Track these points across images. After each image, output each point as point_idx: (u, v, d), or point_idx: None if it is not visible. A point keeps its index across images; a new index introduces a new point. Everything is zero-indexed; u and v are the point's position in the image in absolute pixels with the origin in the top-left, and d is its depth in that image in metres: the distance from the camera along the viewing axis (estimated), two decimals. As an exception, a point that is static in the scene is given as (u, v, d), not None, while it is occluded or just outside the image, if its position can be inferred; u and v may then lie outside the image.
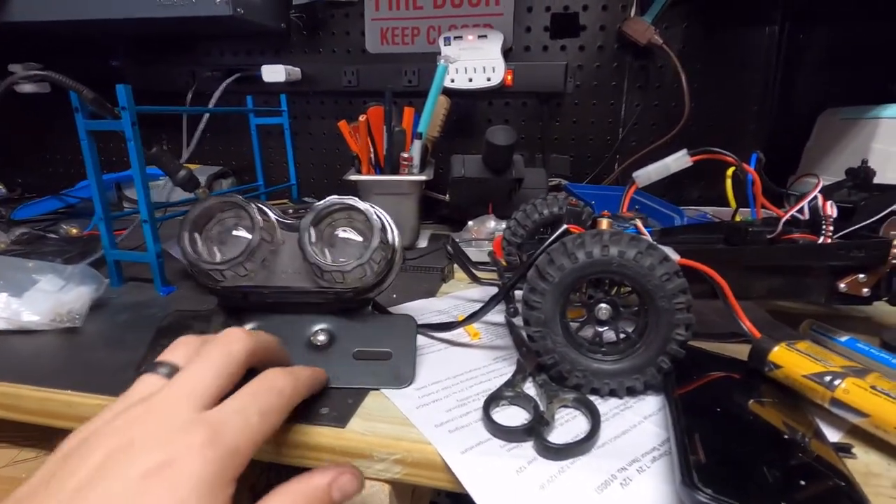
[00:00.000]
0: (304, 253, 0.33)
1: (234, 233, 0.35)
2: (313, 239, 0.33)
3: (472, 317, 0.36)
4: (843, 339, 0.38)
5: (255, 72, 0.80)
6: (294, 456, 0.28)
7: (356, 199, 0.35)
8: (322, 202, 0.34)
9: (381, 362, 0.33)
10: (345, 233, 0.36)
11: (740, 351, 0.34)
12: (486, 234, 0.60)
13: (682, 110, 0.68)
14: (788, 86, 0.70)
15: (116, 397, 0.30)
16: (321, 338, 0.34)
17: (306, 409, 0.29)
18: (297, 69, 0.82)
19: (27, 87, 0.88)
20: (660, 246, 0.30)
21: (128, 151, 0.45)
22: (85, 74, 0.45)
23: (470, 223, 0.64)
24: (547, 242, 0.32)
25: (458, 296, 0.49)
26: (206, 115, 0.79)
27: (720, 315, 0.37)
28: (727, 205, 0.45)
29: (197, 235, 0.33)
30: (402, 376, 0.32)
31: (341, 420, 0.28)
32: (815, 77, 0.70)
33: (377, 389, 0.31)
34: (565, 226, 0.33)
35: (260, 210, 0.34)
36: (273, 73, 0.79)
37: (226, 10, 0.65)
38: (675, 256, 0.32)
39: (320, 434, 0.28)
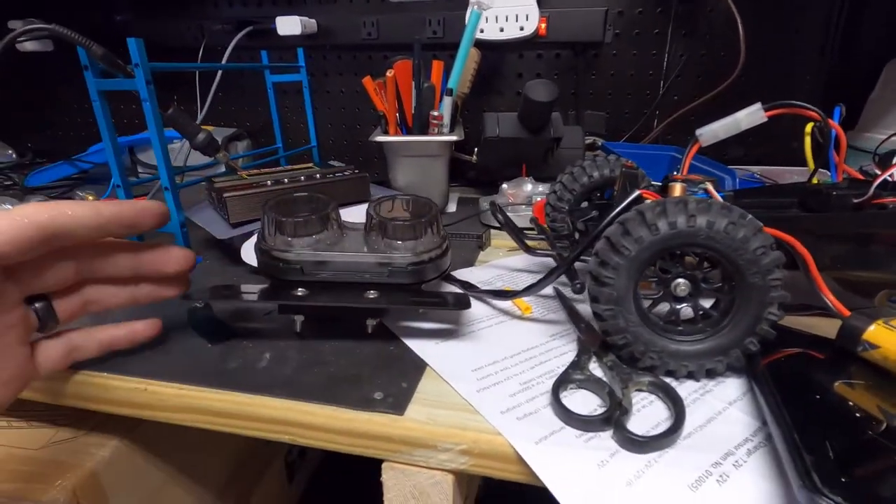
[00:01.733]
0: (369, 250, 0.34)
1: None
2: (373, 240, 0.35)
3: (529, 289, 0.33)
4: (929, 312, 0.35)
5: (268, 24, 0.75)
6: (349, 444, 0.26)
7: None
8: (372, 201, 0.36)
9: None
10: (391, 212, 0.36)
11: (813, 325, 0.31)
12: (523, 197, 0.57)
13: (735, 60, 0.62)
14: (853, 31, 0.64)
15: (147, 379, 0.29)
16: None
17: (356, 393, 0.27)
18: (313, 21, 0.76)
19: (29, 45, 0.83)
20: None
21: (142, 112, 0.42)
22: (88, 30, 0.41)
23: (504, 186, 0.60)
24: (617, 210, 0.29)
25: (499, 265, 0.46)
26: (220, 73, 0.74)
27: (788, 285, 0.34)
28: (777, 163, 0.41)
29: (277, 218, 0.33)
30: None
31: (398, 406, 0.26)
32: (885, 20, 0.63)
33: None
34: (637, 191, 0.29)
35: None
36: (288, 24, 0.73)
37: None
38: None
39: (377, 422, 0.26)
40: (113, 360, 0.30)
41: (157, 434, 0.38)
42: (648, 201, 0.27)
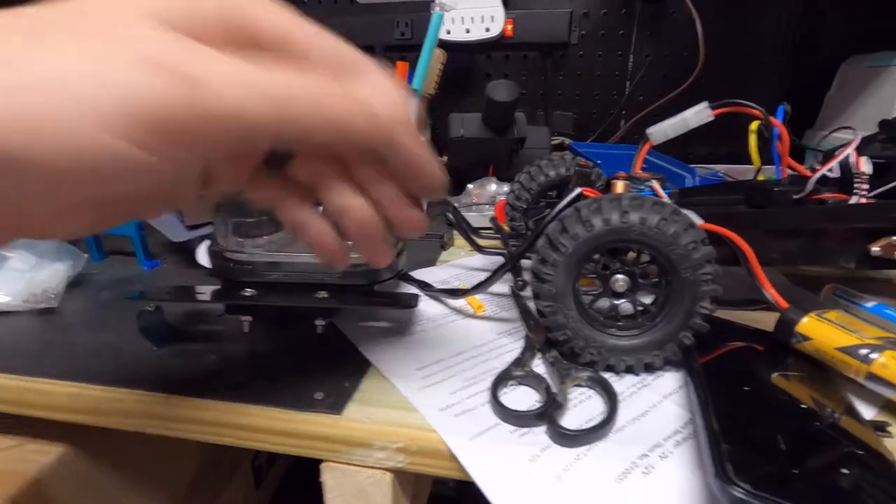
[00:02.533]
0: None
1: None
2: None
3: (476, 288, 0.33)
4: (870, 304, 0.35)
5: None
6: (286, 445, 0.26)
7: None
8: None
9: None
10: None
11: (758, 319, 0.32)
12: (487, 197, 0.57)
13: (696, 60, 0.63)
14: (811, 32, 0.66)
15: (95, 385, 0.28)
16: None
17: (299, 393, 0.27)
18: (281, 22, 0.76)
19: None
20: (683, 211, 0.27)
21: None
22: None
23: (470, 186, 0.60)
24: (558, 208, 0.29)
25: (459, 264, 0.47)
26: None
27: (736, 280, 0.35)
28: (742, 162, 0.42)
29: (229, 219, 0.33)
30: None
31: (337, 406, 0.26)
32: (840, 22, 0.65)
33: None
34: (578, 189, 0.30)
35: None
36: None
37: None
38: (697, 221, 0.29)
39: (314, 422, 0.26)
40: (49, 364, 0.30)
41: (110, 440, 0.38)
42: (586, 199, 0.28)
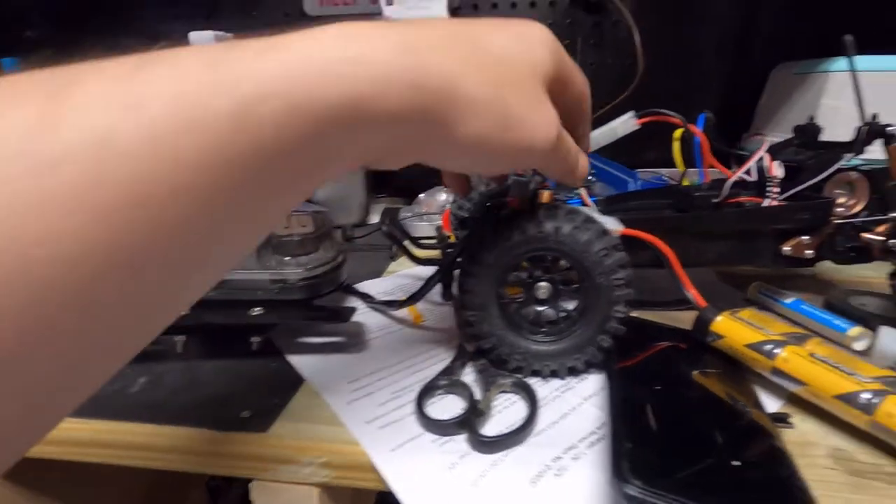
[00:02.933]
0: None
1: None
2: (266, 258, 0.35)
3: (410, 300, 0.34)
4: (789, 300, 0.37)
5: (182, 40, 0.74)
6: (213, 466, 0.26)
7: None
8: None
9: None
10: (287, 229, 0.35)
11: (688, 320, 0.33)
12: (437, 207, 0.58)
13: (637, 69, 0.65)
14: (745, 40, 0.69)
15: None
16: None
17: (226, 412, 0.27)
18: (230, 35, 0.76)
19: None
20: (599, 218, 0.28)
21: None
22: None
23: (421, 196, 0.61)
24: (478, 222, 0.30)
25: (406, 274, 0.47)
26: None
27: (672, 282, 0.36)
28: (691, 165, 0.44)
29: None
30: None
31: (264, 424, 0.26)
32: (772, 31, 0.68)
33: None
34: (505, 200, 0.31)
35: None
36: (202, 40, 0.72)
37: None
38: (618, 227, 0.30)
39: (240, 441, 0.26)
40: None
41: (44, 470, 0.37)
42: (507, 210, 0.29)
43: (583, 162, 0.26)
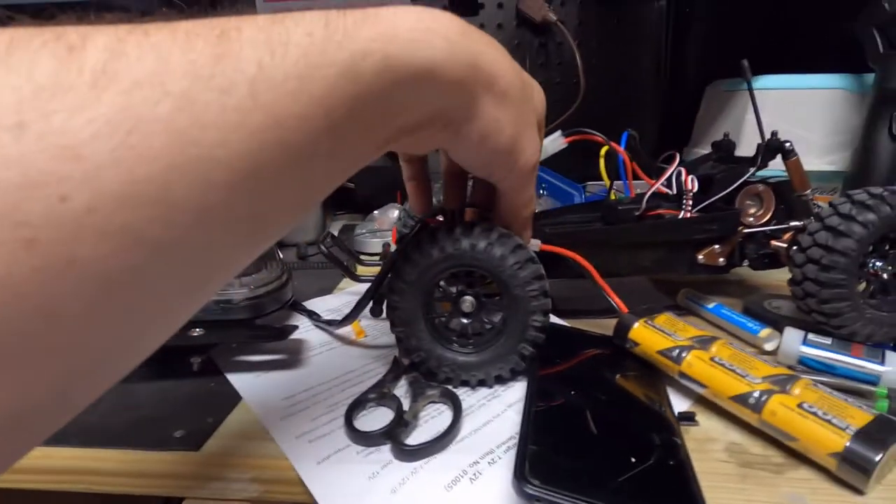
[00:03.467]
0: None
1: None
2: None
3: (345, 320, 0.35)
4: (711, 305, 0.40)
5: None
6: (146, 486, 0.26)
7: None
8: None
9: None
10: None
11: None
12: (389, 223, 0.59)
13: (580, 87, 0.68)
14: (680, 60, 0.73)
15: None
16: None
17: (160, 432, 0.28)
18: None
19: None
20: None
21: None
22: None
23: (375, 213, 0.62)
24: (403, 241, 0.32)
25: (355, 291, 0.48)
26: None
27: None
28: (636, 178, 0.46)
29: None
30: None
31: (196, 443, 0.27)
32: (703, 50, 0.72)
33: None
34: (421, 218, 0.32)
35: None
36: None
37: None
38: (534, 245, 0.32)
39: (170, 461, 0.26)
40: None
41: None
42: (428, 228, 0.30)
43: (532, 208, 0.30)
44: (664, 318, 0.33)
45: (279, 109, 0.15)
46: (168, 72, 0.13)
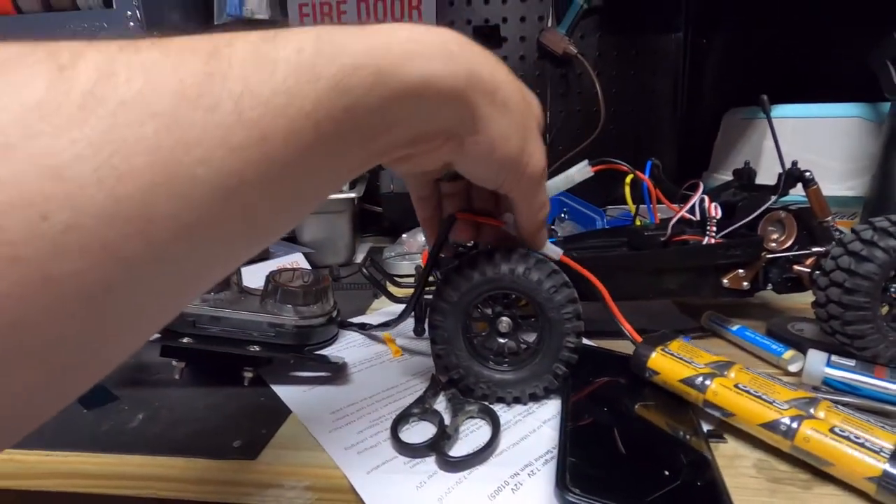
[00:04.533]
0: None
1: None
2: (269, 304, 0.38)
3: (394, 321, 0.37)
4: (735, 327, 0.41)
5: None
6: (206, 492, 0.28)
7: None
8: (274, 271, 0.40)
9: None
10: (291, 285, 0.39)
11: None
12: (417, 247, 0.62)
13: (600, 116, 0.71)
14: (696, 89, 0.75)
15: (22, 451, 0.30)
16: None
17: (219, 442, 0.30)
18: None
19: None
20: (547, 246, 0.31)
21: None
22: None
23: (404, 236, 0.65)
24: (428, 264, 0.34)
25: (387, 311, 0.50)
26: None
27: (632, 311, 0.39)
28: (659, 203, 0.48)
29: None
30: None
31: (252, 452, 0.29)
32: (720, 79, 0.75)
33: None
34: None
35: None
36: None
37: (140, 35, 0.64)
38: (558, 252, 0.33)
39: (229, 469, 0.28)
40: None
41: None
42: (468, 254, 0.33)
43: (547, 210, 0.30)
44: (678, 345, 0.34)
45: (265, 125, 0.15)
46: (155, 92, 0.13)
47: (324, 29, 0.17)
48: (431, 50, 0.19)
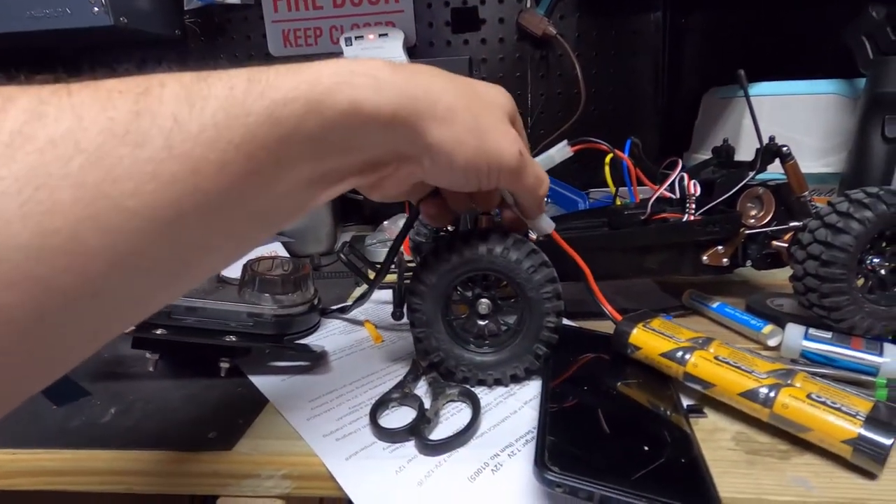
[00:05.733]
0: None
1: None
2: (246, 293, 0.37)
3: (343, 309, 0.37)
4: (715, 304, 0.41)
5: (151, 83, 0.76)
6: (182, 485, 0.28)
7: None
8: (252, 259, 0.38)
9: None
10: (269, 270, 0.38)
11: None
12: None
13: (581, 97, 0.71)
14: (676, 69, 0.75)
15: None
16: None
17: (194, 433, 0.29)
18: (198, 77, 0.79)
19: None
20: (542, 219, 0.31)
21: None
22: None
23: (385, 223, 0.64)
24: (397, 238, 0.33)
25: (371, 299, 0.50)
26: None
27: (614, 292, 0.39)
28: (640, 184, 0.48)
29: None
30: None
31: (227, 442, 0.28)
32: (699, 59, 0.75)
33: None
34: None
35: None
36: (170, 83, 0.75)
37: (105, 20, 0.62)
38: (548, 227, 0.32)
39: (204, 460, 0.28)
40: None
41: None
42: (445, 236, 0.32)
43: (546, 184, 0.30)
44: (659, 322, 0.34)
45: (196, 158, 0.16)
46: (83, 129, 0.14)
47: (256, 69, 0.18)
48: (358, 79, 0.20)
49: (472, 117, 0.24)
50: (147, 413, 0.32)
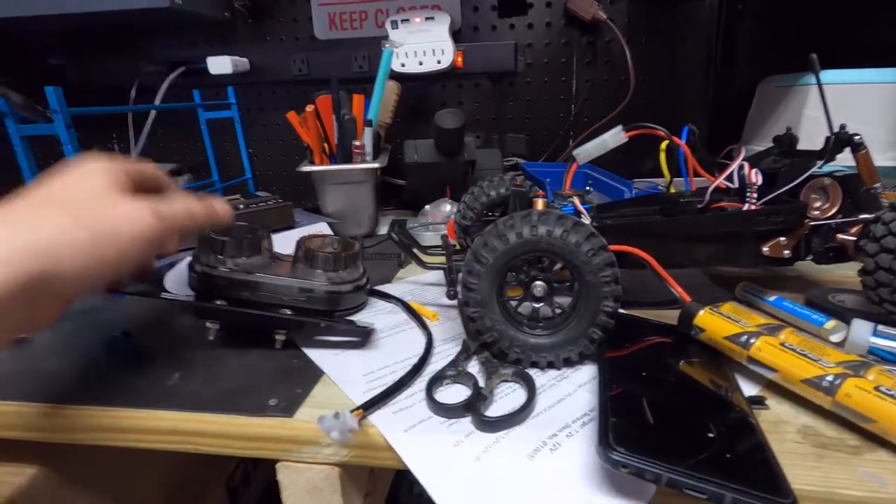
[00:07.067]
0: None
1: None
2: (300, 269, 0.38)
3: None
4: (772, 298, 0.40)
5: (200, 64, 0.78)
6: (244, 448, 0.29)
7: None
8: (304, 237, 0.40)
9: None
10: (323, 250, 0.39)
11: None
12: (442, 217, 0.61)
13: (629, 84, 0.69)
14: (730, 56, 0.72)
15: (56, 404, 0.31)
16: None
17: (255, 400, 0.30)
18: (245, 60, 0.80)
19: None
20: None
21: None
22: (22, 74, 0.44)
23: (427, 207, 0.64)
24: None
25: (414, 280, 0.50)
26: (153, 113, 0.77)
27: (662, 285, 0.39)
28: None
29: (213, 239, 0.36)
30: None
31: (288, 410, 0.29)
32: (755, 47, 0.72)
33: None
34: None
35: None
36: (219, 64, 0.77)
37: (162, 1, 0.63)
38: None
39: (267, 425, 0.28)
40: (22, 387, 0.32)
41: (81, 461, 0.40)
42: (502, 218, 0.32)
43: (204, 205, 0.31)
44: (730, 307, 0.33)
45: None
46: None
47: None
48: None
49: (88, 237, 0.24)
50: (208, 379, 0.33)
